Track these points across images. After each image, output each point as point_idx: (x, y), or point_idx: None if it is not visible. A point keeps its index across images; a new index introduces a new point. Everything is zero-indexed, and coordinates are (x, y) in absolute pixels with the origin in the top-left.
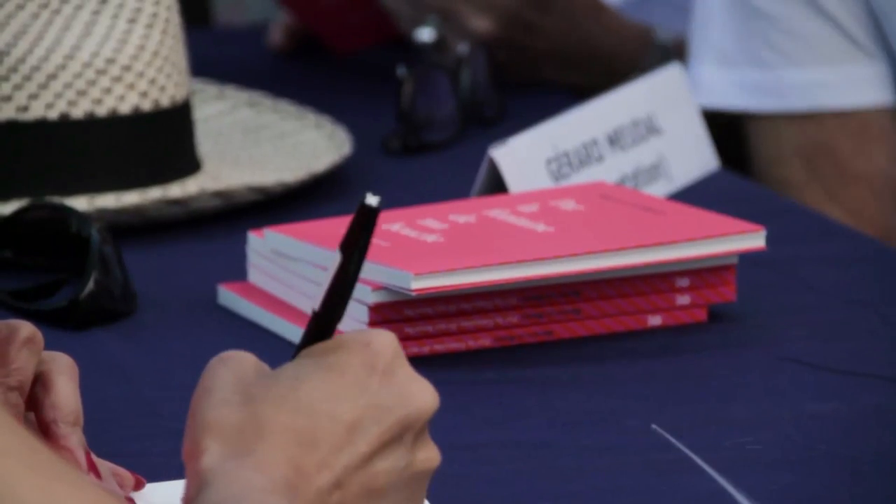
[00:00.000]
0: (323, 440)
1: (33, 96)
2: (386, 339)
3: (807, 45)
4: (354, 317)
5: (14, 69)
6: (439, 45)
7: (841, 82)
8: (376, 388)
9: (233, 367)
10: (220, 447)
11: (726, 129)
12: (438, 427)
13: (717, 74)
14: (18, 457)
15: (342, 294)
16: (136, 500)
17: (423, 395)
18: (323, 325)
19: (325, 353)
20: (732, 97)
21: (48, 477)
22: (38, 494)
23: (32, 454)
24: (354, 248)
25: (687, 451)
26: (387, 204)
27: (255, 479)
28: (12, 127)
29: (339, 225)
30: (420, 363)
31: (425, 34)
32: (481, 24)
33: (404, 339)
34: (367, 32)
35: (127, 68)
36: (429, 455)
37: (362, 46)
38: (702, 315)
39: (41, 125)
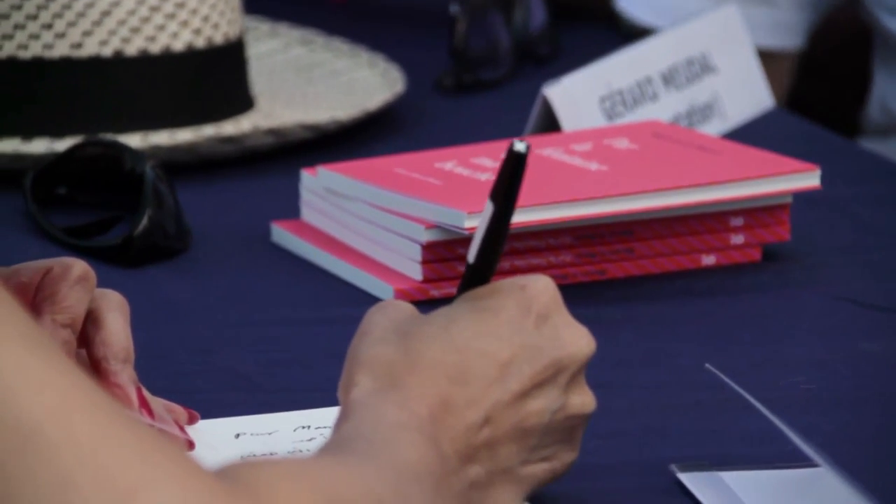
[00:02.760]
0: (474, 376)
1: (87, 33)
2: (542, 284)
3: None
4: (406, 255)
5: (68, 6)
6: None
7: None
8: (530, 329)
9: (389, 313)
10: (371, 381)
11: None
12: None
13: None
14: (65, 392)
15: (496, 242)
16: (190, 434)
17: (578, 340)
18: (478, 273)
19: (480, 297)
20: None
21: (102, 414)
22: (93, 430)
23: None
24: (506, 196)
25: (740, 390)
26: (438, 142)
27: (393, 413)
28: (66, 64)
29: (393, 163)
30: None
31: None
32: None
33: (457, 278)
34: None
35: (180, 5)
36: (584, 399)
37: None
38: (755, 255)
39: (95, 62)
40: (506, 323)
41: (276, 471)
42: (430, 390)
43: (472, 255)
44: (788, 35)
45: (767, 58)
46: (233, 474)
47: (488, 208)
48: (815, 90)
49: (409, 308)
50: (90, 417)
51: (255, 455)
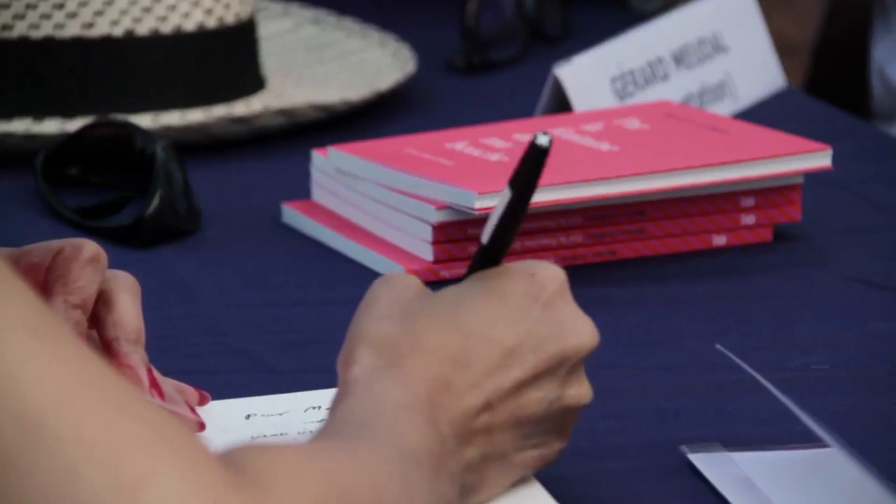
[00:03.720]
0: (476, 361)
1: (98, 13)
2: (552, 272)
3: None
4: (417, 235)
5: None
6: None
7: None
8: (536, 317)
9: (395, 286)
10: (372, 358)
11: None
12: None
13: None
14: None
15: (510, 227)
16: (201, 415)
17: (582, 331)
18: (490, 255)
19: (488, 279)
20: None
21: (110, 402)
22: (99, 421)
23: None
24: (524, 185)
25: (751, 370)
26: (449, 123)
27: (394, 393)
28: (77, 44)
29: (404, 143)
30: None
31: None
32: None
33: (468, 258)
34: None
35: None
36: (580, 391)
37: None
38: (767, 235)
39: (106, 42)
40: (513, 309)
41: (280, 457)
42: (431, 371)
43: (485, 236)
44: None
45: None
46: (238, 460)
47: (506, 193)
48: (828, 73)
49: (415, 282)
50: (96, 407)
51: (265, 436)
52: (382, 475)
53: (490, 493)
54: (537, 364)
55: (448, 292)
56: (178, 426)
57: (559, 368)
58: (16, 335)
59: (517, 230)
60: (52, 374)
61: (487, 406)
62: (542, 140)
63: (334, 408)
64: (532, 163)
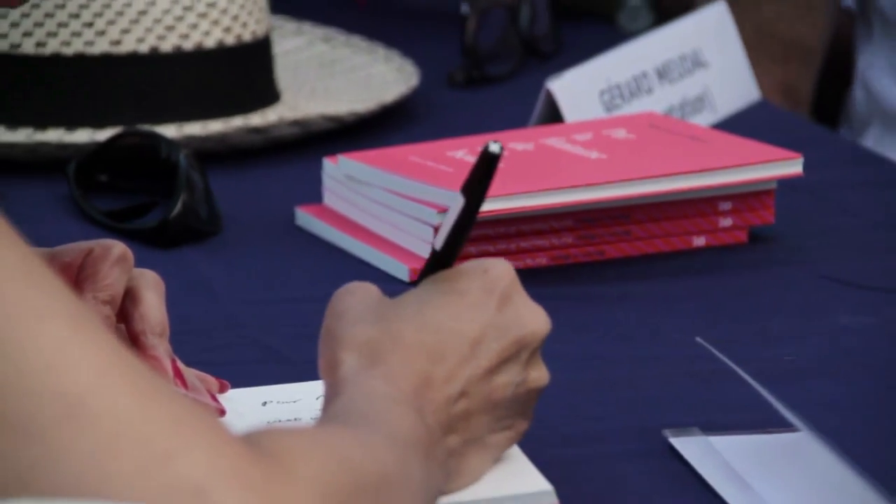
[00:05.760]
0: (450, 354)
1: (125, 31)
2: (503, 267)
3: None
4: (419, 236)
5: (108, 5)
6: None
7: None
8: (494, 309)
9: (359, 294)
10: (356, 359)
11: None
12: None
13: None
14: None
15: (463, 231)
16: (221, 402)
17: (537, 319)
18: (443, 257)
19: (446, 280)
20: None
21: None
22: (132, 401)
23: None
24: (476, 191)
25: (728, 362)
26: (450, 133)
27: (384, 388)
28: (106, 60)
29: (408, 152)
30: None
31: None
32: None
33: (466, 257)
34: None
35: (212, 5)
36: (540, 374)
37: None
38: (743, 236)
39: (133, 58)
40: (473, 304)
41: (294, 436)
42: (412, 368)
43: (438, 241)
44: None
45: (806, 3)
46: (257, 440)
47: (459, 200)
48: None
49: (374, 289)
50: (129, 389)
51: (280, 421)
52: (385, 455)
53: (470, 477)
54: (501, 351)
55: (411, 296)
56: (201, 409)
57: (520, 353)
58: (53, 323)
59: (469, 233)
60: (88, 359)
61: (463, 394)
62: (494, 148)
63: (327, 407)
64: (484, 169)
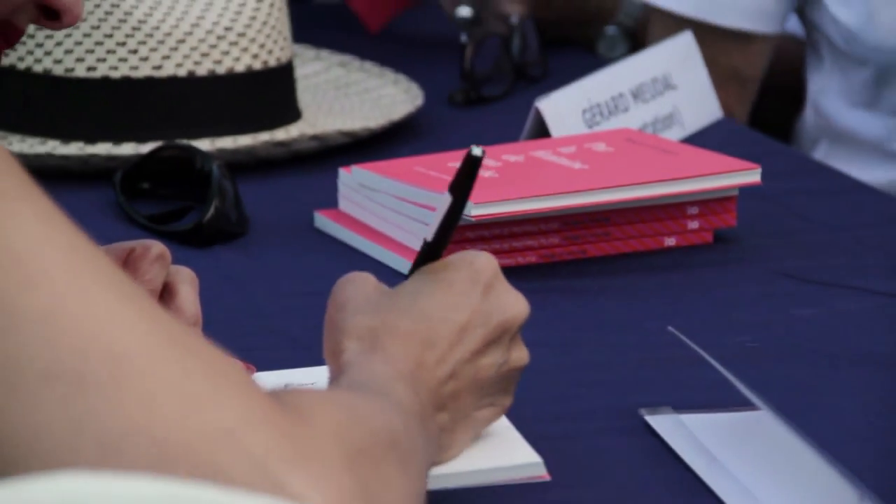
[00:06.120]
0: (440, 340)
1: (166, 57)
2: (486, 259)
3: None
4: (423, 236)
5: (150, 34)
6: (475, 20)
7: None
8: (479, 297)
9: (358, 285)
10: (357, 345)
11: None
12: None
13: None
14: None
15: (450, 226)
16: None
17: (517, 305)
18: (433, 250)
19: (436, 271)
20: None
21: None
22: (172, 358)
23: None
24: (461, 189)
25: (696, 348)
26: (450, 146)
27: (384, 368)
28: (149, 82)
29: (414, 163)
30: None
31: (465, 11)
32: (513, 7)
33: None
34: (391, 4)
35: (242, 35)
36: (521, 355)
37: (390, 18)
38: (708, 237)
39: (172, 81)
40: (460, 293)
41: (313, 395)
42: (407, 353)
43: (429, 234)
44: (768, 21)
45: (744, 38)
46: (281, 396)
47: (446, 199)
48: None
49: (372, 279)
50: (170, 346)
51: None
52: (394, 418)
53: (457, 450)
54: (486, 335)
55: (405, 287)
56: (233, 364)
57: (503, 337)
58: (101, 294)
59: (456, 228)
60: (133, 322)
61: (452, 375)
62: (477, 151)
63: (333, 385)
64: (468, 170)
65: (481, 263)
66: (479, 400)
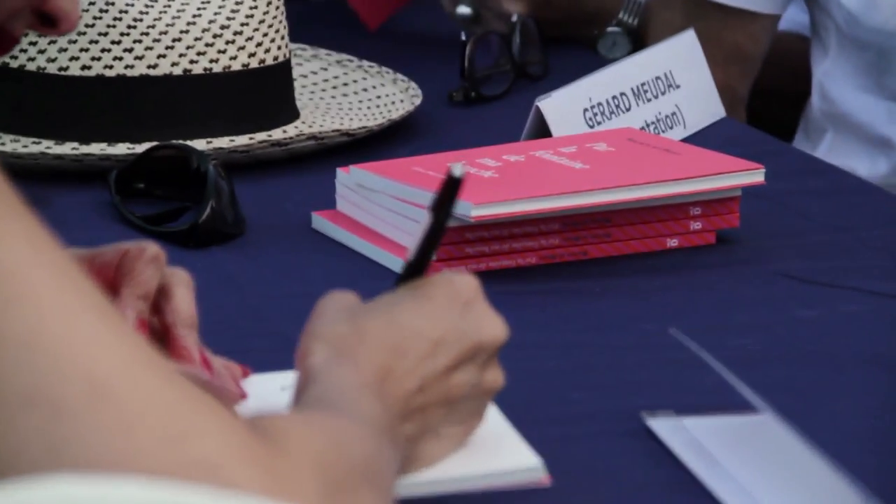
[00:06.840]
0: (411, 351)
1: (161, 55)
2: (467, 280)
3: None
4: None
5: (146, 32)
6: (475, 18)
7: None
8: (457, 315)
9: (338, 299)
10: (326, 350)
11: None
12: None
13: None
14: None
15: (431, 244)
16: (244, 387)
17: (495, 327)
18: (415, 268)
19: (416, 287)
20: None
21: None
22: (153, 386)
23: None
24: (442, 209)
25: (699, 350)
26: (450, 146)
27: (352, 377)
28: (144, 81)
29: (412, 163)
30: (477, 277)
31: (465, 9)
32: (513, 6)
33: (465, 257)
34: (390, 1)
35: (238, 33)
36: (495, 377)
37: (389, 15)
38: (711, 238)
39: (167, 79)
40: (437, 308)
41: (290, 420)
42: (376, 360)
43: (411, 253)
44: (772, 1)
45: (748, 16)
46: (259, 423)
47: (428, 218)
48: (756, 95)
49: (353, 296)
50: (150, 376)
51: None
52: (367, 441)
53: (423, 462)
54: (460, 353)
55: (384, 299)
56: (211, 397)
57: (477, 357)
58: (83, 318)
59: (438, 246)
60: (113, 349)
61: (421, 389)
62: (457, 171)
63: (300, 393)
64: (449, 190)
65: (462, 283)
66: (448, 416)
